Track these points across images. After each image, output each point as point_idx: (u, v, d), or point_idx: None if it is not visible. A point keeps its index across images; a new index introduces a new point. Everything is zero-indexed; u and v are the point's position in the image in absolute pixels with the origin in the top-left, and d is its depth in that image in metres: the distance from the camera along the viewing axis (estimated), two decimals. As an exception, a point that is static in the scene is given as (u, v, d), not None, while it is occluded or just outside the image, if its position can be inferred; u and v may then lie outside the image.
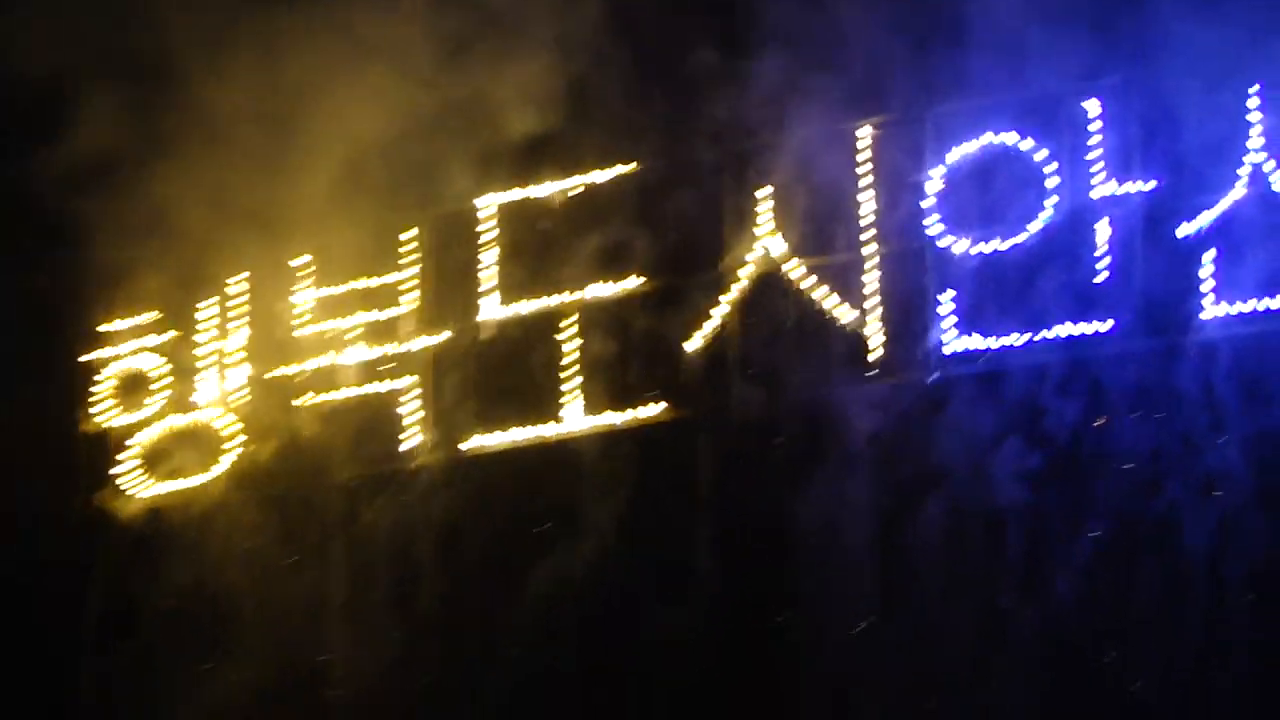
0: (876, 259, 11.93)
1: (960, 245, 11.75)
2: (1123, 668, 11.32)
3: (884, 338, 11.91)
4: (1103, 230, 11.48)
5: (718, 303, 12.32)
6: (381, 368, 13.09)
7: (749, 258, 12.14)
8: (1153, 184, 11.43)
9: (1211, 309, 11.18)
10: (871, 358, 11.88)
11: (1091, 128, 11.60)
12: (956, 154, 11.81)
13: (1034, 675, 11.82)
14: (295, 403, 13.06)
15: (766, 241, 12.12)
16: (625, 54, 12.30)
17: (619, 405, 12.34)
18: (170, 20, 13.16)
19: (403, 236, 13.01)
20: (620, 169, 12.53)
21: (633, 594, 12.46)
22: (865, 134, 11.94)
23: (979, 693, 11.59)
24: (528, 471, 12.55)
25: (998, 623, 11.53)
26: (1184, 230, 11.33)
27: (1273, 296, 11.14)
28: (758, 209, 12.23)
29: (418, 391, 12.79)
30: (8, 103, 13.72)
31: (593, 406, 12.52)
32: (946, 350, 11.68)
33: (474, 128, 12.69)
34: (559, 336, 12.57)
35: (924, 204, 11.85)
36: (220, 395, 13.27)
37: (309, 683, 12.70)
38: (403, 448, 12.74)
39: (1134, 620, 11.76)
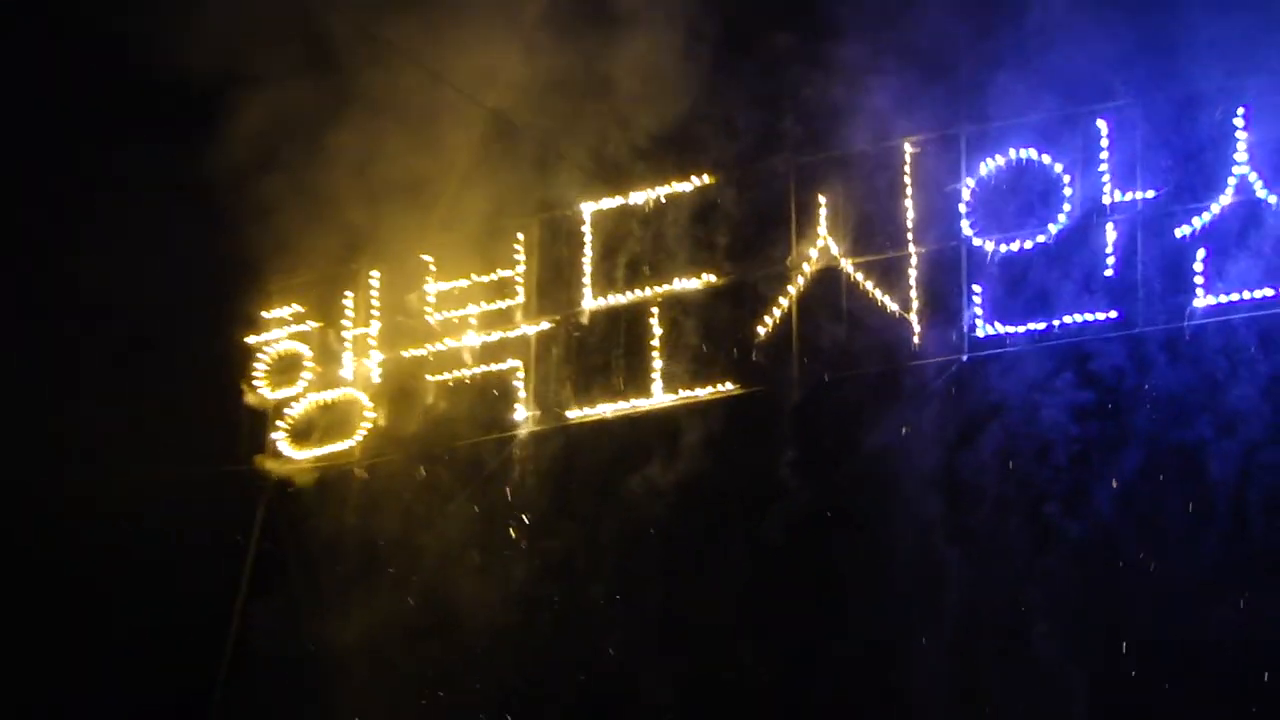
0: (916, 257, 12.84)
1: (989, 245, 12.64)
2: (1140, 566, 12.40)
3: (924, 324, 12.82)
4: (1110, 233, 12.38)
5: (784, 294, 13.16)
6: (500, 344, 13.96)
7: (812, 254, 12.96)
8: (1153, 193, 12.33)
9: (1204, 300, 12.08)
10: (915, 340, 12.79)
11: (1101, 144, 12.49)
12: (986, 167, 12.74)
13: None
14: (423, 379, 14.03)
15: (824, 241, 13.03)
16: (703, 83, 13.08)
17: (699, 383, 13.18)
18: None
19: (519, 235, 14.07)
20: (700, 179, 13.37)
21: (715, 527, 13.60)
22: (908, 150, 12.87)
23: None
24: (622, 436, 13.53)
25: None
26: (1181, 232, 12.25)
27: (1254, 289, 11.99)
28: (818, 213, 13.08)
29: (521, 372, 13.68)
30: (180, 103, 14.41)
31: (671, 384, 13.44)
32: (979, 334, 12.63)
33: (577, 143, 13.68)
34: (651, 322, 13.46)
35: (959, 209, 12.68)
36: (357, 374, 14.24)
37: (441, 615, 13.65)
38: (516, 414, 13.70)
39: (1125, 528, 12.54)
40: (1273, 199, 12.38)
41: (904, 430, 13.20)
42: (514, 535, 14.02)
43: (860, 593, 13.43)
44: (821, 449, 13.43)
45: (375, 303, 14.72)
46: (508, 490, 13.99)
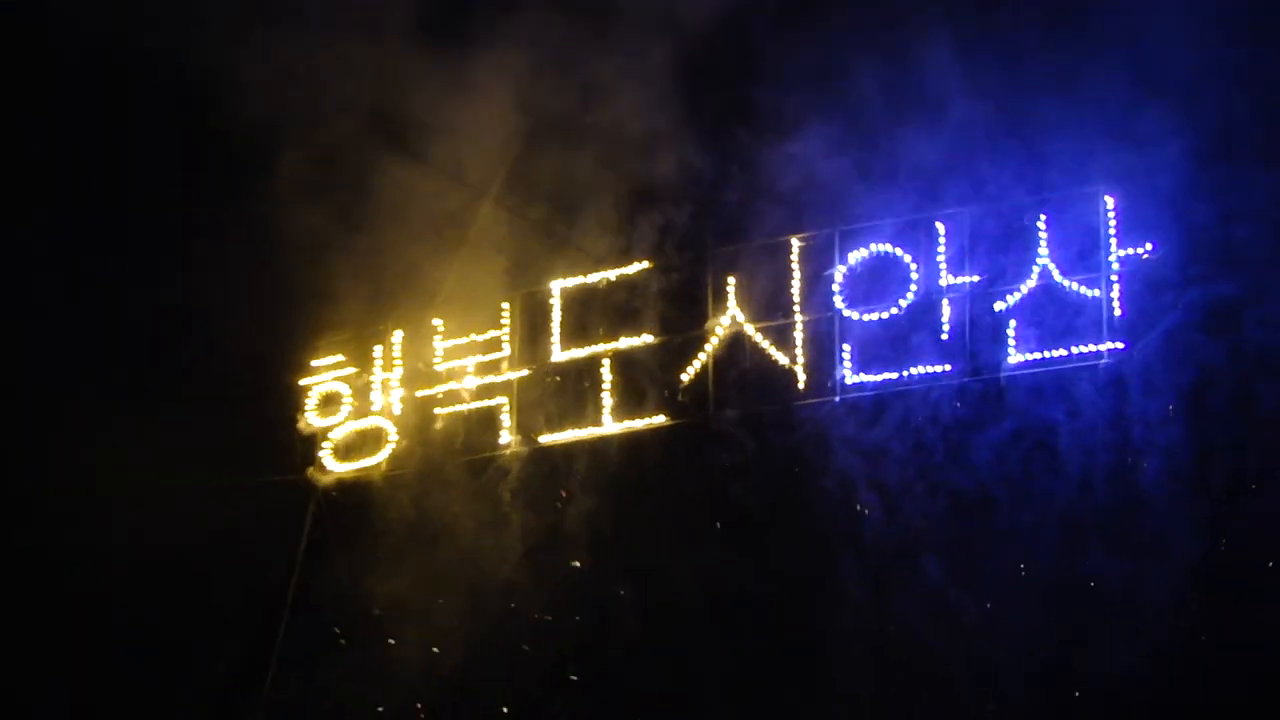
0: (801, 324, 14.54)
1: (856, 315, 14.34)
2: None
3: (807, 374, 14.51)
4: (946, 307, 14.08)
5: (703, 350, 14.85)
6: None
7: (724, 321, 14.75)
8: (977, 278, 14.01)
9: (1015, 356, 13.78)
10: (800, 386, 14.52)
11: (939, 241, 14.12)
12: (854, 257, 14.45)
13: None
14: (432, 412, 15.85)
15: (733, 311, 14.80)
16: (644, 193, 14.96)
17: (637, 415, 15.01)
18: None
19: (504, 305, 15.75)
20: (641, 264, 15.20)
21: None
22: (795, 244, 14.62)
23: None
24: (584, 457, 15.27)
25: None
26: (998, 307, 13.93)
27: (1052, 349, 13.60)
28: (728, 290, 14.82)
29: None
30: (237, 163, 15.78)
31: (619, 416, 15.15)
32: (848, 381, 14.34)
33: (546, 237, 15.56)
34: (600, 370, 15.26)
35: (834, 288, 14.38)
36: (384, 407, 16.02)
37: (449, 587, 15.12)
38: (502, 439, 15.53)
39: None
40: (1066, 283, 13.70)
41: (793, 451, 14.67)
42: (502, 526, 15.37)
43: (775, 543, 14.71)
44: (732, 466, 14.85)
45: (397, 354, 16.15)
46: (497, 495, 15.48)
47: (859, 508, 14.43)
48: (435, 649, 14.97)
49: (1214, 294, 13.19)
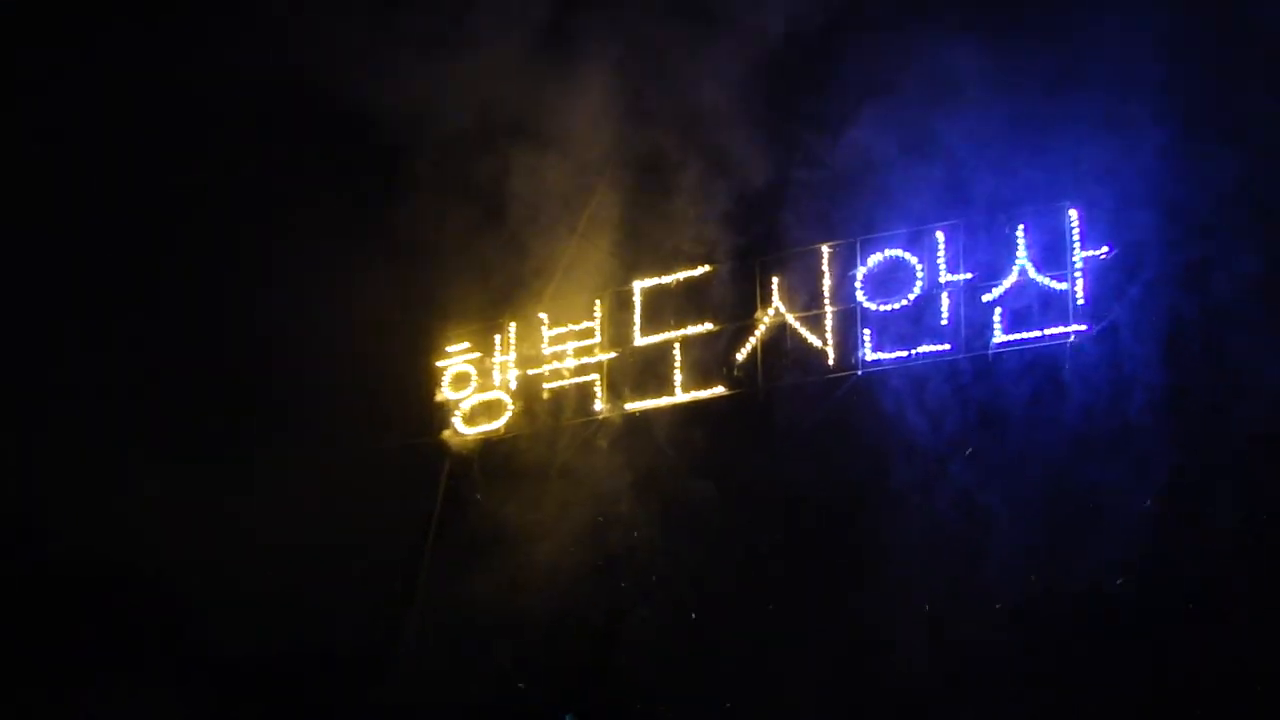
0: (830, 314, 16.22)
1: (874, 306, 15.96)
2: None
3: (836, 353, 16.18)
4: (945, 299, 15.65)
5: (753, 336, 16.49)
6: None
7: (769, 312, 16.45)
8: (970, 275, 15.57)
9: (1000, 337, 15.41)
10: (830, 363, 16.20)
11: (939, 246, 15.69)
12: (872, 260, 16.04)
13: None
14: (540, 387, 17.50)
15: (777, 304, 16.48)
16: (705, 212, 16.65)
17: (701, 387, 16.65)
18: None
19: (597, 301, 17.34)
20: (704, 268, 16.84)
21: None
22: (825, 251, 16.26)
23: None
24: (660, 419, 16.93)
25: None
26: (987, 298, 15.48)
27: (1026, 330, 15.22)
28: (772, 288, 16.46)
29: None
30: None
31: (687, 388, 16.79)
32: (867, 359, 15.97)
33: (630, 246, 17.08)
34: (673, 352, 16.90)
35: (856, 285, 16.03)
36: (502, 383, 17.62)
37: (561, 529, 16.72)
38: (595, 406, 17.19)
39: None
40: (1040, 279, 15.16)
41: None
42: (595, 473, 16.90)
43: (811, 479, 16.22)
44: (776, 425, 16.57)
45: (512, 341, 17.70)
46: (592, 449, 17.08)
47: (878, 448, 15.98)
48: (547, 571, 16.63)
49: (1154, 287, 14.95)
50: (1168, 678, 14.52)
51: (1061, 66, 15.22)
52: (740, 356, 16.45)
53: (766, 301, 16.35)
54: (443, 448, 17.48)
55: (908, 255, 15.83)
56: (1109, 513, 14.93)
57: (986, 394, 15.58)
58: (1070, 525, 15.11)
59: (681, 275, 16.79)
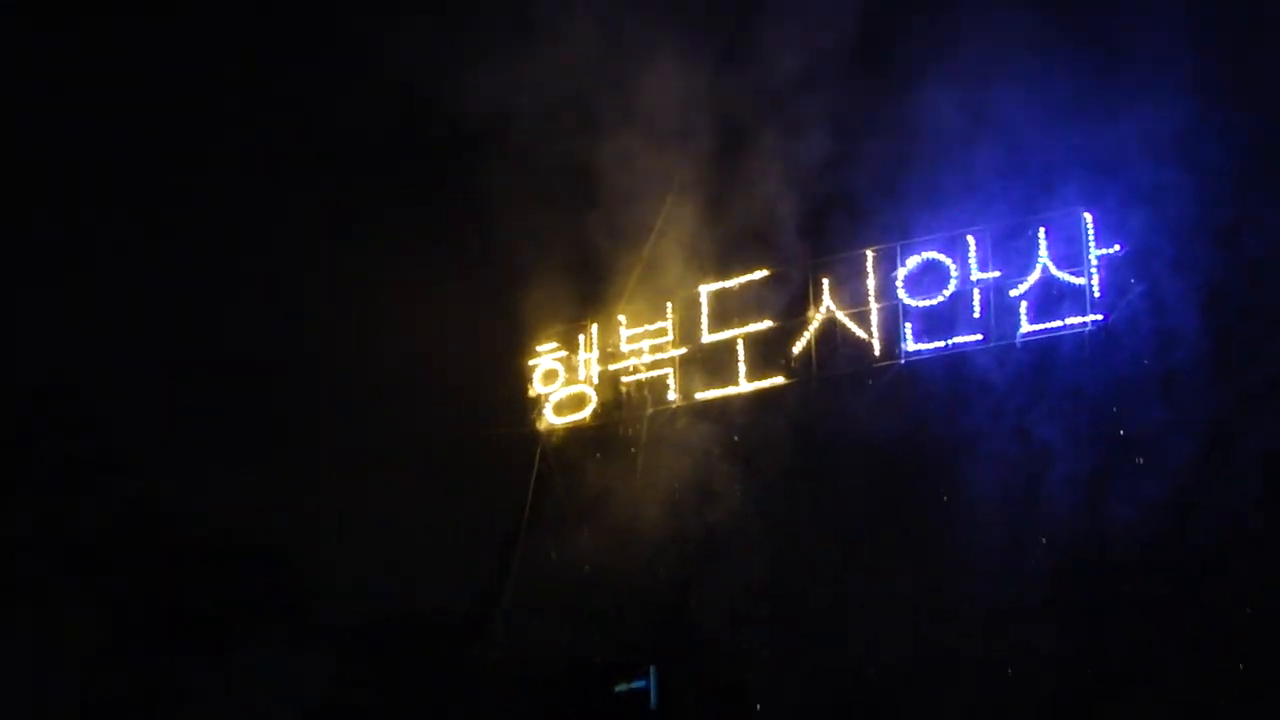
0: (875, 310, 17.66)
1: (913, 303, 17.40)
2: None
3: (880, 345, 17.62)
4: (976, 295, 17.06)
5: (807, 331, 17.91)
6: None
7: (821, 310, 17.89)
8: (998, 273, 17.01)
9: (1027, 327, 16.84)
10: (876, 353, 17.62)
11: (970, 250, 17.12)
12: (912, 261, 17.45)
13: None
14: (620, 380, 18.98)
15: (827, 303, 17.88)
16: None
17: (762, 378, 18.07)
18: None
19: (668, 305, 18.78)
20: (762, 272, 18.24)
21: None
22: (869, 254, 17.67)
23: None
24: (727, 407, 18.39)
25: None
26: (1014, 292, 16.91)
27: (1049, 321, 16.66)
28: (823, 288, 17.87)
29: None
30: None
31: (750, 378, 18.16)
32: (909, 349, 17.40)
33: (697, 254, 18.49)
34: (736, 347, 18.31)
35: (897, 285, 17.42)
36: (586, 378, 19.11)
37: (640, 503, 18.05)
38: (669, 397, 18.64)
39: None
40: (1060, 275, 16.59)
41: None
42: (671, 454, 18.25)
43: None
44: (827, 406, 17.93)
45: (595, 341, 19.14)
46: (668, 434, 18.52)
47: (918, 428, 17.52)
48: (630, 542, 18.05)
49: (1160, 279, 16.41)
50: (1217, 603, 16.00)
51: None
52: (796, 350, 18.00)
53: (818, 300, 17.91)
54: (535, 436, 19.12)
55: (942, 257, 17.35)
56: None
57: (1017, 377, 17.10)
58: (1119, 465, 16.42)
59: (743, 279, 18.35)
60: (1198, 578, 16.00)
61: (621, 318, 19.06)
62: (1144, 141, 16.31)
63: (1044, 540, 16.61)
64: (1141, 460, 16.25)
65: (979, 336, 17.14)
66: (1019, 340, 16.95)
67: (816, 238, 18.02)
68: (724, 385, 18.35)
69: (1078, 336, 16.69)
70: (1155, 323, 16.53)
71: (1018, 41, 16.95)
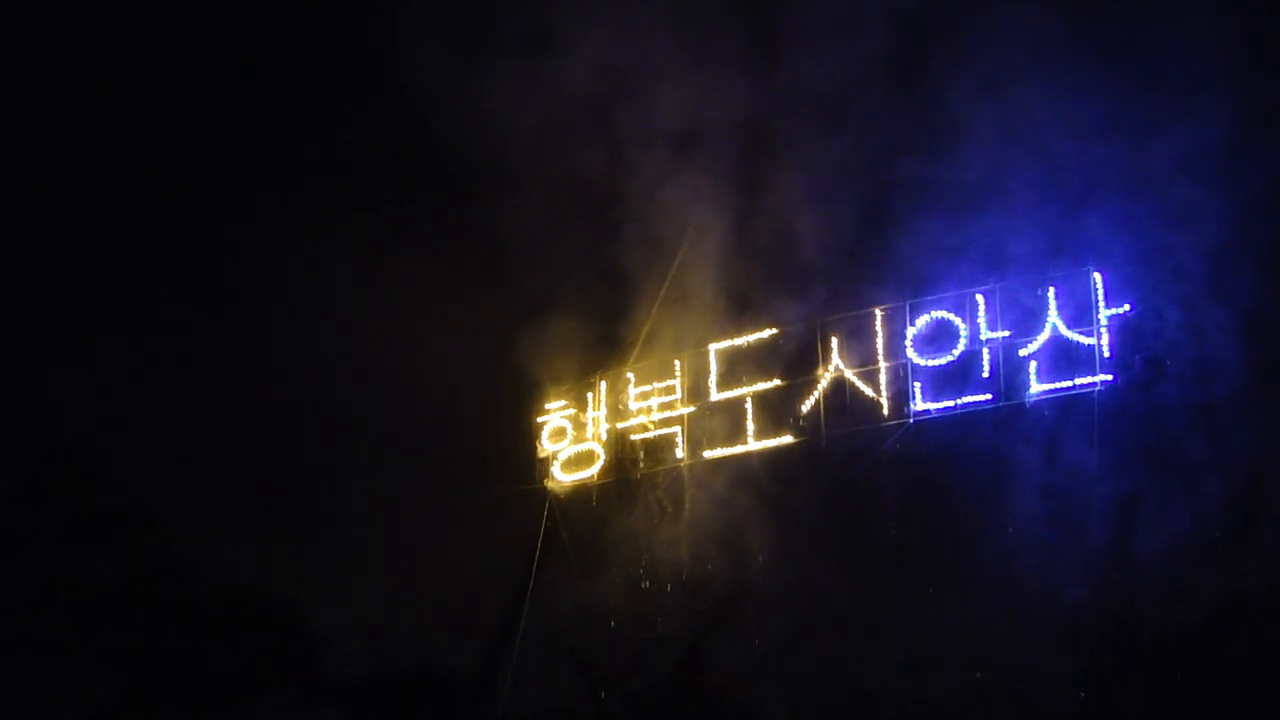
0: (884, 367, 17.52)
1: (923, 361, 17.27)
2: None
3: (889, 404, 17.46)
4: (985, 355, 16.96)
5: (815, 390, 17.78)
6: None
7: (830, 369, 17.77)
8: (1008, 333, 16.91)
9: (1036, 387, 16.70)
10: (884, 412, 17.50)
11: (979, 309, 17.00)
12: (920, 321, 17.34)
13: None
14: (628, 438, 18.91)
15: (836, 361, 17.83)
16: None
17: (771, 436, 17.92)
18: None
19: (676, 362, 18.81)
20: (771, 331, 18.23)
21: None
22: (878, 313, 17.51)
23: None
24: (735, 465, 18.28)
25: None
26: (1023, 352, 16.84)
27: (1058, 380, 16.54)
28: (832, 347, 17.75)
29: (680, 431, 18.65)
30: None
31: (759, 437, 18.04)
32: (917, 408, 17.28)
33: (694, 319, 18.59)
34: (745, 405, 18.22)
35: (906, 344, 17.29)
36: (595, 436, 19.08)
37: (648, 557, 18.24)
38: (677, 455, 18.57)
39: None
40: (1069, 335, 16.47)
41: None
42: (679, 511, 18.25)
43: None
44: (837, 466, 17.79)
45: (603, 399, 19.11)
46: (675, 491, 18.45)
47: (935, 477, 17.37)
48: (636, 598, 18.19)
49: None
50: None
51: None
52: (805, 408, 17.86)
53: (827, 359, 17.80)
54: (544, 493, 19.05)
55: (951, 316, 17.24)
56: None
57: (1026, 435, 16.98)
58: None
59: (752, 337, 18.29)
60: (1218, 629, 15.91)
61: (630, 375, 19.01)
62: (1157, 201, 16.31)
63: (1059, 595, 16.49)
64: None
65: (988, 396, 16.96)
66: (1028, 400, 16.77)
67: (825, 296, 18.01)
68: (732, 444, 18.23)
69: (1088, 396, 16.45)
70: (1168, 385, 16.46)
71: (1029, 104, 17.02)
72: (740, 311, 18.33)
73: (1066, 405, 16.74)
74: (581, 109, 18.28)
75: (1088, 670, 16.33)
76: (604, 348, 18.90)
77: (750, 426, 18.14)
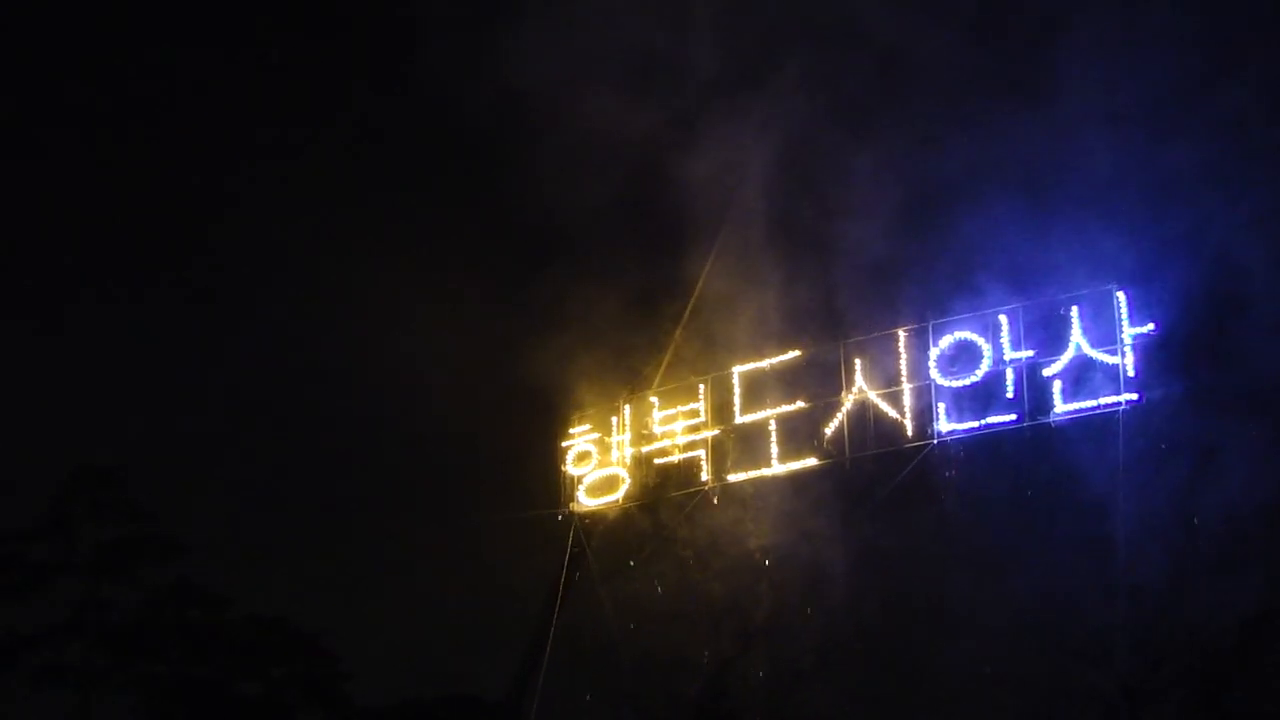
0: (908, 390, 17.39)
1: (946, 382, 17.14)
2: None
3: (913, 425, 17.31)
4: (1009, 374, 16.80)
5: (840, 412, 17.69)
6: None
7: (854, 391, 17.67)
8: (1031, 353, 16.74)
9: (1061, 407, 16.55)
10: (909, 434, 17.32)
11: (1003, 329, 16.85)
12: (944, 342, 17.19)
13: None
14: (653, 462, 18.80)
15: (860, 383, 17.68)
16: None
17: (795, 459, 17.78)
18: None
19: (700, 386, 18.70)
20: (795, 353, 18.13)
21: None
22: (901, 334, 17.40)
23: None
24: (759, 488, 18.26)
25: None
26: (1047, 372, 16.64)
27: (1085, 400, 16.33)
28: (856, 368, 17.63)
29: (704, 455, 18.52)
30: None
31: (783, 459, 17.91)
32: (942, 430, 17.10)
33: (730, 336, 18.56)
34: (771, 428, 18.00)
35: (930, 365, 17.15)
36: (619, 459, 18.93)
37: (674, 580, 18.31)
38: (702, 478, 18.41)
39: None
40: (1094, 354, 16.33)
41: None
42: (703, 534, 18.17)
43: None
44: (859, 488, 17.73)
45: (627, 423, 19.02)
46: (699, 515, 18.38)
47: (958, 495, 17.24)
48: (662, 623, 18.06)
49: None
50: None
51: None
52: (829, 431, 17.70)
53: (850, 381, 17.62)
54: (569, 518, 18.89)
55: (975, 336, 17.08)
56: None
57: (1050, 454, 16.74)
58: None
59: (775, 360, 18.14)
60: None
61: (654, 399, 18.88)
62: (1179, 222, 16.13)
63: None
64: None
65: (1013, 416, 16.79)
66: (1053, 420, 16.60)
67: (849, 318, 17.90)
68: (756, 466, 18.06)
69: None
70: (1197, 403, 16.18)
71: (1052, 125, 17.01)
72: (764, 334, 18.21)
73: (1093, 426, 16.39)
74: (611, 127, 18.40)
75: (1119, 691, 15.98)
76: (626, 374, 18.87)
77: (774, 449, 17.89)
